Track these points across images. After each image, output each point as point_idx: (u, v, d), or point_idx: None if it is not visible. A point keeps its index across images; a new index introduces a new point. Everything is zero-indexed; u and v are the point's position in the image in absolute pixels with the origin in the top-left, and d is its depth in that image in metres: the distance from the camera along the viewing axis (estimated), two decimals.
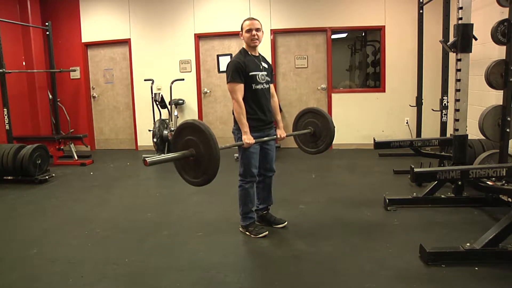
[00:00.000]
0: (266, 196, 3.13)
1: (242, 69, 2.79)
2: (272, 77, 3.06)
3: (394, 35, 6.27)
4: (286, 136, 3.10)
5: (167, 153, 6.02)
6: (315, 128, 3.20)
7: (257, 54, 2.95)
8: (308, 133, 3.22)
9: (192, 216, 3.53)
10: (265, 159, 3.02)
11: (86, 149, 6.86)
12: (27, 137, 6.04)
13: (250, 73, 2.83)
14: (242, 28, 2.89)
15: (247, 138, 2.76)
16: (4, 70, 5.17)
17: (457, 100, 3.31)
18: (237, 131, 2.90)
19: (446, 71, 4.75)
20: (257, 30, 2.85)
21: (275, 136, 3.01)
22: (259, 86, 2.87)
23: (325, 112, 3.20)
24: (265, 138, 2.94)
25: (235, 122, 2.90)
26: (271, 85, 3.05)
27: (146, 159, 2.08)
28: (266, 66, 2.98)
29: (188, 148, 2.27)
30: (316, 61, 6.58)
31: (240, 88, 2.79)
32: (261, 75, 2.89)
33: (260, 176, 3.05)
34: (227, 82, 2.83)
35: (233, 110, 2.89)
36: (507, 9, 3.01)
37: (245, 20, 2.90)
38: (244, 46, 2.93)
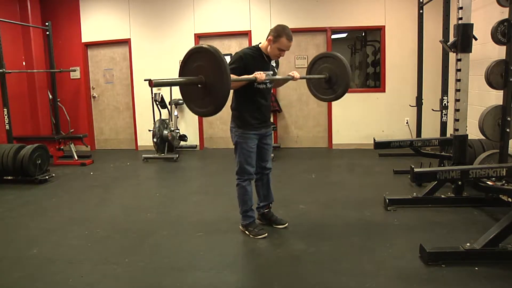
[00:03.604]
0: (266, 194, 3.13)
1: (245, 62, 2.74)
2: (276, 73, 3.06)
3: (394, 35, 6.27)
4: (300, 78, 3.01)
5: (167, 153, 6.08)
6: (330, 73, 3.12)
7: (267, 58, 2.90)
8: (323, 79, 3.15)
9: (192, 216, 3.53)
10: (262, 157, 3.03)
11: (86, 149, 6.86)
12: (27, 137, 6.04)
13: (256, 71, 2.78)
14: (276, 38, 2.74)
15: (258, 73, 2.64)
16: (4, 70, 5.17)
17: (457, 100, 3.31)
18: (235, 129, 2.91)
19: (446, 71, 4.75)
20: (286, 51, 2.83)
21: (286, 77, 2.97)
22: (261, 86, 2.85)
23: (341, 57, 3.12)
24: (277, 77, 2.91)
25: (233, 119, 2.92)
26: None
27: (151, 79, 1.97)
28: (274, 64, 2.96)
29: (197, 75, 2.16)
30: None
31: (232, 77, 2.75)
32: (266, 74, 2.86)
33: (257, 174, 3.06)
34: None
35: (231, 106, 2.90)
36: (507, 9, 3.01)
37: (284, 35, 2.74)
38: (263, 46, 2.84)
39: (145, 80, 6.36)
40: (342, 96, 3.17)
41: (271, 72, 2.90)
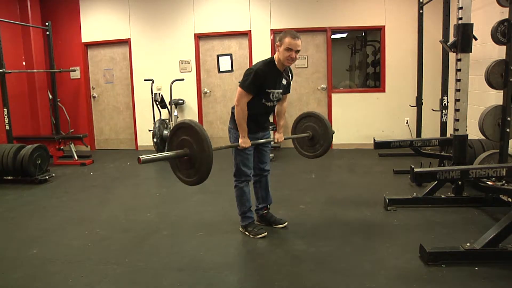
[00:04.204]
0: (264, 195, 3.13)
1: (260, 82, 2.72)
2: (289, 88, 3.00)
3: (394, 35, 6.27)
4: (284, 139, 3.10)
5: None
6: (314, 132, 3.19)
7: (283, 69, 2.83)
8: (306, 137, 3.23)
9: (192, 216, 3.53)
10: (260, 159, 3.04)
11: (86, 149, 6.86)
12: (27, 137, 6.04)
13: (267, 90, 2.78)
14: (281, 41, 2.70)
15: (244, 142, 2.76)
16: (4, 70, 5.17)
17: (457, 100, 3.31)
18: (233, 130, 2.91)
19: (446, 71, 4.75)
20: (297, 52, 2.71)
21: (270, 139, 3.02)
22: (269, 104, 2.86)
23: (325, 118, 3.18)
24: (261, 141, 2.94)
25: (232, 120, 2.92)
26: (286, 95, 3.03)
27: (140, 157, 2.09)
28: (285, 82, 2.89)
29: (183, 148, 2.29)
30: (316, 61, 6.58)
31: (248, 98, 2.74)
32: (276, 93, 2.84)
33: (255, 176, 3.06)
34: (240, 85, 2.75)
35: (232, 109, 2.89)
36: (507, 9, 3.02)
37: (288, 35, 2.69)
38: (275, 57, 2.79)
39: (145, 80, 6.43)
40: (322, 155, 3.23)
41: (281, 91, 2.88)
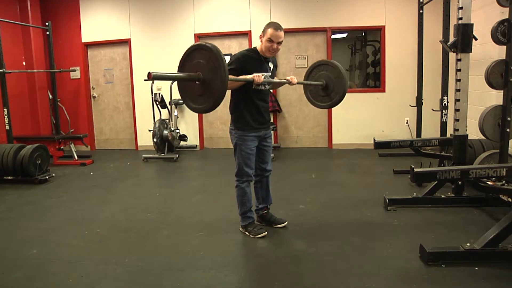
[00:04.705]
0: (265, 196, 3.13)
1: (242, 64, 2.75)
2: (275, 74, 3.05)
3: (394, 35, 6.27)
4: (297, 83, 3.03)
5: (167, 153, 6.08)
6: (328, 80, 3.13)
7: (267, 57, 2.88)
8: (320, 85, 3.17)
9: (192, 216, 3.53)
10: (262, 159, 3.03)
11: (86, 149, 6.86)
12: (27, 137, 6.03)
13: (254, 73, 2.79)
14: (264, 32, 2.77)
15: (257, 76, 2.64)
16: (4, 70, 5.17)
17: (457, 100, 3.31)
18: (234, 131, 2.91)
19: (446, 71, 4.75)
20: (279, 43, 2.76)
21: (284, 80, 2.96)
22: (260, 87, 2.85)
23: (337, 64, 3.14)
24: (275, 80, 2.90)
25: (232, 121, 2.92)
26: None
27: (150, 71, 1.98)
28: (271, 66, 2.95)
29: (196, 71, 2.19)
30: (316, 61, 6.57)
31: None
32: (264, 76, 2.86)
33: (257, 176, 3.06)
34: None
35: (230, 108, 2.90)
36: (507, 9, 3.02)
37: (270, 26, 2.74)
38: (258, 48, 2.85)
39: (145, 80, 6.41)
40: (338, 103, 3.19)
41: (269, 74, 2.90)
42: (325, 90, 3.18)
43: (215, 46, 2.20)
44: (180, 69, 2.30)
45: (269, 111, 3.06)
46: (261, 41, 2.81)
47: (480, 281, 2.24)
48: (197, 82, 2.19)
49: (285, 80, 2.95)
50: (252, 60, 2.81)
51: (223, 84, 2.14)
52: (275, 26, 2.75)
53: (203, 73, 2.17)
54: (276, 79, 2.98)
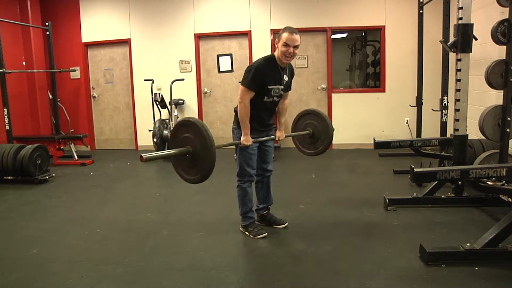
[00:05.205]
0: (265, 196, 3.13)
1: (261, 78, 2.72)
2: (290, 86, 3.02)
3: (394, 35, 6.27)
4: (285, 136, 3.10)
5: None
6: (314, 129, 3.19)
7: (284, 66, 2.84)
8: (307, 135, 3.22)
9: (192, 216, 3.53)
10: (263, 159, 3.03)
11: (86, 149, 6.86)
12: (27, 137, 6.03)
13: (268, 86, 2.77)
14: (279, 37, 2.72)
15: (246, 140, 2.76)
16: (4, 70, 5.17)
17: (457, 100, 3.31)
18: (237, 130, 2.91)
19: (446, 71, 4.75)
20: (295, 47, 2.71)
21: (273, 137, 3.01)
22: (269, 99, 2.85)
23: (325, 114, 3.19)
24: (263, 138, 2.93)
25: (235, 120, 2.91)
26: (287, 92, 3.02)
27: (142, 155, 2.09)
28: (287, 79, 2.90)
29: (185, 146, 2.28)
30: (316, 61, 6.59)
31: (251, 95, 2.74)
32: (276, 89, 2.83)
33: (258, 176, 3.05)
34: (241, 83, 2.76)
35: (235, 108, 2.88)
36: (507, 9, 3.02)
37: (286, 31, 2.71)
38: (275, 55, 2.79)
39: (145, 80, 6.42)
40: (323, 152, 3.23)
41: (282, 87, 2.87)
42: (311, 138, 3.23)
43: (199, 121, 2.29)
44: (171, 143, 2.39)
45: (273, 116, 3.05)
46: (277, 47, 2.76)
47: (480, 281, 2.24)
48: (187, 155, 2.28)
49: (272, 137, 2.99)
50: (269, 70, 2.76)
51: (211, 157, 2.23)
52: (290, 30, 2.71)
53: (192, 146, 2.26)
54: (264, 138, 2.93)
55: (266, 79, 2.75)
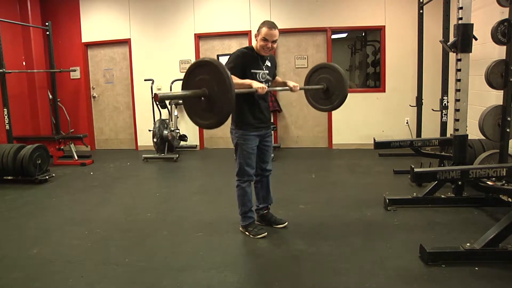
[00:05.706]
0: (265, 195, 3.13)
1: (242, 62, 2.77)
2: (275, 72, 3.07)
3: (394, 35, 6.27)
4: (300, 89, 3.01)
5: (167, 153, 6.08)
6: (328, 83, 3.13)
7: (264, 56, 2.89)
8: (321, 89, 3.16)
9: (192, 216, 3.53)
10: (262, 158, 3.03)
11: (86, 149, 6.86)
12: (27, 137, 6.03)
13: (252, 71, 2.81)
14: (259, 31, 2.79)
15: (260, 88, 2.63)
16: (4, 70, 5.17)
17: (457, 100, 3.31)
18: (235, 130, 2.91)
19: (446, 71, 4.75)
20: (273, 42, 2.78)
21: (286, 87, 2.94)
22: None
23: (337, 67, 3.13)
24: (277, 88, 2.94)
25: (233, 121, 2.92)
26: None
27: (157, 93, 1.99)
28: (269, 64, 2.95)
29: (200, 88, 2.18)
30: (316, 61, 6.57)
31: (233, 77, 2.73)
32: (262, 73, 2.87)
33: (257, 176, 3.05)
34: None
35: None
36: (507, 9, 3.02)
37: (265, 25, 2.77)
38: (254, 46, 2.87)
39: (145, 80, 6.42)
40: (339, 107, 3.18)
41: (267, 72, 2.90)
42: (325, 93, 3.17)
43: (218, 61, 2.20)
44: (184, 85, 2.29)
45: (269, 109, 3.06)
46: (257, 40, 2.84)
47: (480, 281, 2.24)
48: (202, 98, 2.19)
49: (287, 87, 2.95)
50: (249, 57, 2.83)
51: (230, 100, 2.13)
52: (269, 25, 2.78)
53: (208, 89, 2.17)
54: (279, 87, 2.99)
55: (247, 63, 2.79)
